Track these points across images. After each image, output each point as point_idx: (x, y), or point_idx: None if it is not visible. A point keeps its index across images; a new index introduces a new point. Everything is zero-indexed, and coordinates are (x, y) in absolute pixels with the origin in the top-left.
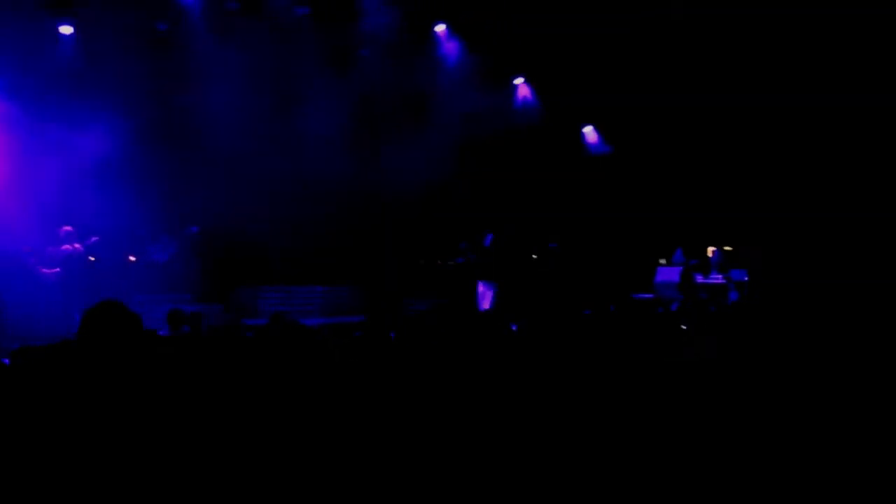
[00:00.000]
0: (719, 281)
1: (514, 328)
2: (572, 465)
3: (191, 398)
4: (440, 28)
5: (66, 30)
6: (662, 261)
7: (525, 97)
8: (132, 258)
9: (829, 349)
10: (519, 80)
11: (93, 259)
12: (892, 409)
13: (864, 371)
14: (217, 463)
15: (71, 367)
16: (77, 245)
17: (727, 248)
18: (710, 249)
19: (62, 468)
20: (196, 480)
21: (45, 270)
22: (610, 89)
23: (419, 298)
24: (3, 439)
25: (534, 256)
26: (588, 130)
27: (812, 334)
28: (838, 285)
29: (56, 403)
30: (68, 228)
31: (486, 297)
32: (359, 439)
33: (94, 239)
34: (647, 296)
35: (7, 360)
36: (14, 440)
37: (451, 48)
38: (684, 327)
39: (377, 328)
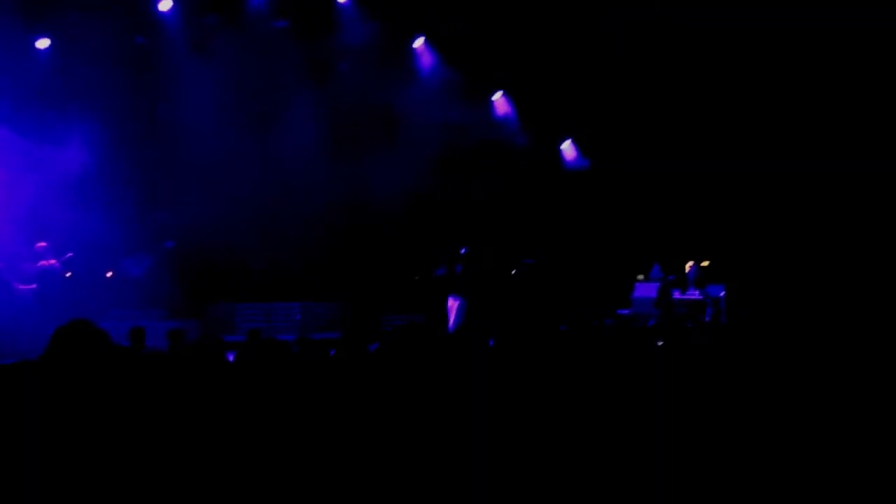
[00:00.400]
0: (696, 297)
1: (490, 344)
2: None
3: (165, 417)
4: (418, 42)
5: (42, 44)
6: (640, 276)
7: (503, 111)
8: (108, 273)
9: (811, 361)
10: (497, 95)
11: (68, 275)
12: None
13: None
14: (193, 481)
15: (38, 385)
16: (52, 261)
17: (704, 263)
18: (688, 265)
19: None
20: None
21: (20, 286)
22: (588, 103)
23: (398, 314)
24: None
25: (512, 272)
26: (566, 146)
27: (793, 349)
28: (816, 300)
29: (21, 422)
30: (43, 244)
31: (453, 312)
32: (336, 454)
33: (68, 254)
34: (624, 311)
35: None
36: None
37: (428, 61)
38: (660, 343)
39: (353, 345)
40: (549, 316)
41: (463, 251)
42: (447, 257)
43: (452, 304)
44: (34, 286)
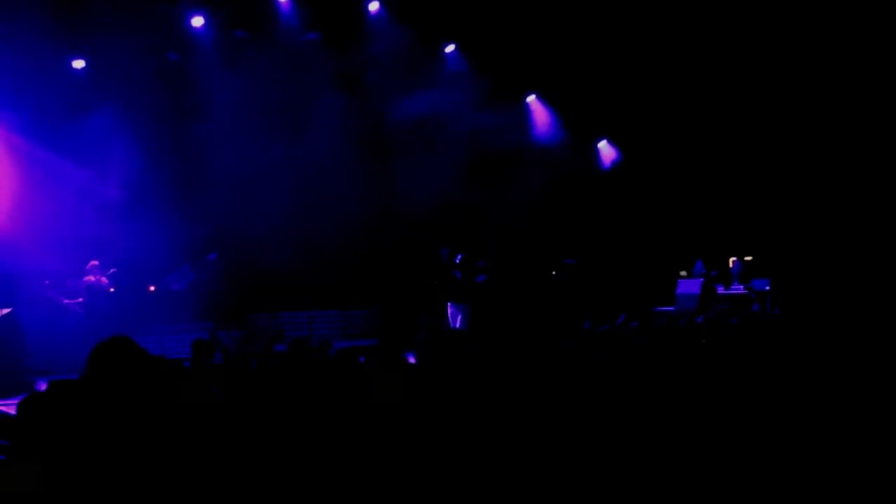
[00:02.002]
0: (741, 291)
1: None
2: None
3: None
4: (450, 48)
5: (78, 64)
6: (683, 273)
7: (538, 113)
8: (151, 288)
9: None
10: (531, 98)
11: (112, 290)
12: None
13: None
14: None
15: (81, 403)
16: (102, 277)
17: (747, 258)
18: (731, 260)
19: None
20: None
21: (67, 301)
22: (625, 102)
23: (435, 318)
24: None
25: (552, 273)
26: (603, 145)
27: (834, 341)
28: (860, 292)
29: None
30: (94, 262)
31: (456, 319)
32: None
33: (111, 270)
34: (668, 308)
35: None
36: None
37: (460, 67)
38: (704, 341)
39: (389, 350)
40: (587, 318)
41: (458, 259)
42: (489, 262)
43: (454, 312)
44: (80, 300)
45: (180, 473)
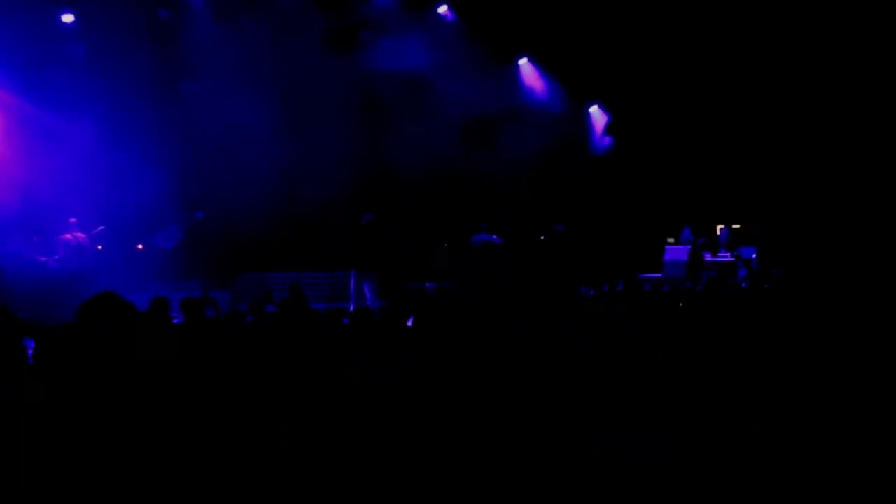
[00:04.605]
0: (728, 259)
1: None
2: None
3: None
4: (442, 8)
5: (67, 18)
6: (670, 240)
7: (530, 77)
8: (139, 246)
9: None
10: (523, 61)
11: (100, 248)
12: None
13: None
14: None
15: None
16: (79, 234)
17: (735, 225)
18: (719, 227)
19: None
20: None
21: (43, 259)
22: (616, 67)
23: (427, 281)
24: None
25: (541, 238)
26: (594, 110)
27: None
28: (847, 264)
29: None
30: (73, 220)
31: (366, 293)
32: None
33: (100, 228)
34: (655, 275)
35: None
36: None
37: (452, 27)
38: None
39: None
40: (580, 282)
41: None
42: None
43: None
44: (56, 256)
45: (173, 429)
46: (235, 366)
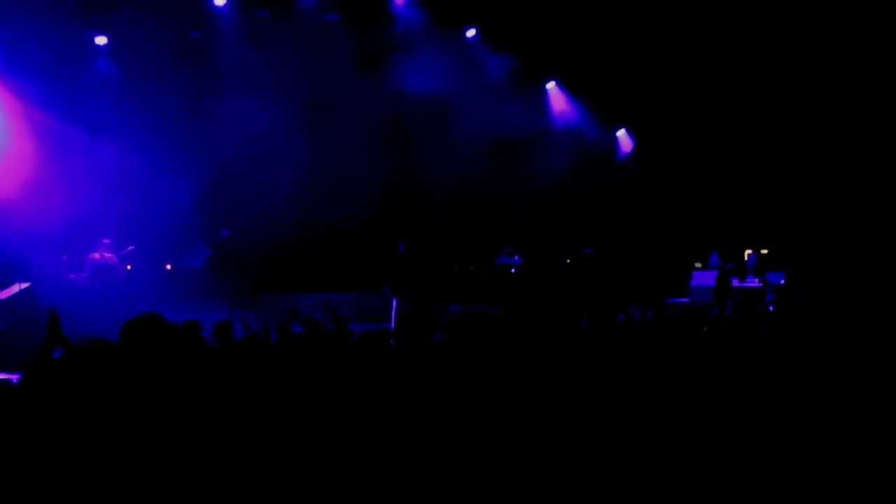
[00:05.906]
0: (755, 285)
1: None
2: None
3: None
4: (471, 32)
5: (100, 40)
6: (698, 264)
7: (557, 100)
8: (167, 266)
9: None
10: (551, 84)
11: (129, 268)
12: None
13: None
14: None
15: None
16: (108, 254)
17: (763, 251)
18: (747, 252)
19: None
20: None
21: (73, 276)
22: (644, 91)
23: (452, 304)
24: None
25: (567, 262)
26: (621, 134)
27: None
28: (876, 291)
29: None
30: (106, 241)
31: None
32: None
33: (129, 248)
34: (682, 300)
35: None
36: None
37: (481, 51)
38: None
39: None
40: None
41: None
42: (514, 247)
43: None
44: (84, 275)
45: (210, 445)
46: (261, 387)
